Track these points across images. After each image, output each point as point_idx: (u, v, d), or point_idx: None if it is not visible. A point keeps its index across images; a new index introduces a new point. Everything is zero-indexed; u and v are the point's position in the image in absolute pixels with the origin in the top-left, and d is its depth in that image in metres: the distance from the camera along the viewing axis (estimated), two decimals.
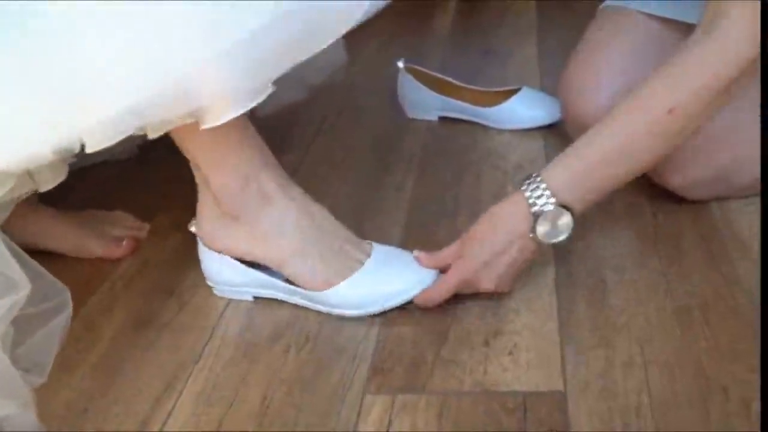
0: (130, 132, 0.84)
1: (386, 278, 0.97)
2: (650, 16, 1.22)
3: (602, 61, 1.23)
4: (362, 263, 0.98)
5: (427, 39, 1.86)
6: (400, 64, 1.44)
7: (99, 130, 0.83)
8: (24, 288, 0.85)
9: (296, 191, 1.00)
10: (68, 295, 0.92)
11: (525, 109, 1.38)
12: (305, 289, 0.98)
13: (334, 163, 1.35)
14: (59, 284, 0.91)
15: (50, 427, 0.87)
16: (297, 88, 1.55)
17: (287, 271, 0.99)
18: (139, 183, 1.33)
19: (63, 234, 1.14)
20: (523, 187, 0.95)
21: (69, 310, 0.91)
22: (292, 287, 0.99)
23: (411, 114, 1.46)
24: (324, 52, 0.90)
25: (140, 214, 1.21)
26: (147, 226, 1.19)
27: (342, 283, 0.97)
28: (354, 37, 1.85)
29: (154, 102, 0.83)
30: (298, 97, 1.59)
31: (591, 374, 0.87)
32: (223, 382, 0.91)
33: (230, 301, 1.04)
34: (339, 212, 1.18)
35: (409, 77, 1.44)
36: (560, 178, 0.95)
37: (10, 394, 0.82)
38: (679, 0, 1.19)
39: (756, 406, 0.81)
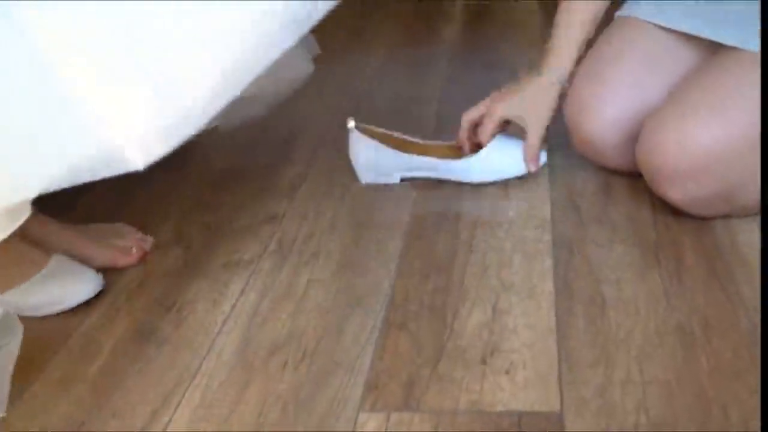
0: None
1: (55, 288, 1.07)
2: (665, 29, 1.20)
3: (610, 77, 1.20)
4: (36, 273, 1.07)
5: (432, 50, 1.86)
6: (350, 124, 1.26)
7: None
8: None
9: None
10: (17, 323, 0.91)
11: (499, 157, 1.24)
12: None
13: (335, 176, 1.34)
14: (9, 315, 0.91)
15: None
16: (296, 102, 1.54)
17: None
18: (136, 199, 1.33)
19: (69, 243, 1.15)
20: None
21: (18, 339, 0.91)
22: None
23: (366, 179, 1.28)
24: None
25: (140, 230, 1.21)
26: (151, 239, 1.20)
27: (13, 290, 1.06)
28: (359, 48, 1.85)
29: None
30: (299, 111, 1.59)
31: (588, 392, 0.87)
32: (220, 398, 0.91)
33: (229, 316, 1.04)
34: (340, 225, 1.19)
35: (362, 137, 1.26)
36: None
37: None
38: (698, 14, 1.17)
39: (755, 425, 0.80)
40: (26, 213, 0.97)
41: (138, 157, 0.85)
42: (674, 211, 1.14)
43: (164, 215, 1.27)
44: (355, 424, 0.85)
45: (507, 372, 0.90)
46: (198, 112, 0.86)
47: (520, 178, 1.27)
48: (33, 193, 0.90)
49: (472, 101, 1.27)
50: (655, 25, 1.21)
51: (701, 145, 1.06)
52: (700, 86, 1.10)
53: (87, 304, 1.08)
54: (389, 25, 2.03)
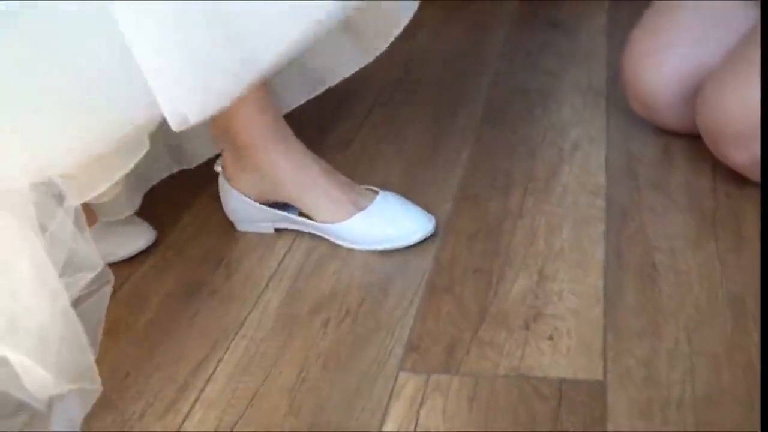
0: None
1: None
2: None
3: (668, 33, 1.16)
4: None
5: (495, 7, 1.82)
6: (217, 168, 1.12)
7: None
8: (97, 266, 0.85)
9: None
10: (110, 273, 0.91)
11: (378, 225, 1.06)
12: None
13: (389, 135, 1.33)
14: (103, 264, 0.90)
15: None
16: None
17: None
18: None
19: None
20: None
21: (108, 289, 0.91)
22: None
23: (241, 227, 1.14)
24: None
25: (197, 180, 1.21)
26: None
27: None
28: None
29: None
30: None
31: (633, 362, 0.85)
32: (262, 353, 0.92)
33: (275, 272, 1.04)
34: (390, 184, 1.18)
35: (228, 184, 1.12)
36: None
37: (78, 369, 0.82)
38: None
39: None
40: (144, 149, 0.93)
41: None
42: (736, 179, 1.10)
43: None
44: (394, 384, 0.85)
45: (550, 338, 0.89)
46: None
47: (575, 143, 1.24)
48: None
49: (534, 61, 1.23)
50: None
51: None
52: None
53: (138, 257, 1.09)
54: None
